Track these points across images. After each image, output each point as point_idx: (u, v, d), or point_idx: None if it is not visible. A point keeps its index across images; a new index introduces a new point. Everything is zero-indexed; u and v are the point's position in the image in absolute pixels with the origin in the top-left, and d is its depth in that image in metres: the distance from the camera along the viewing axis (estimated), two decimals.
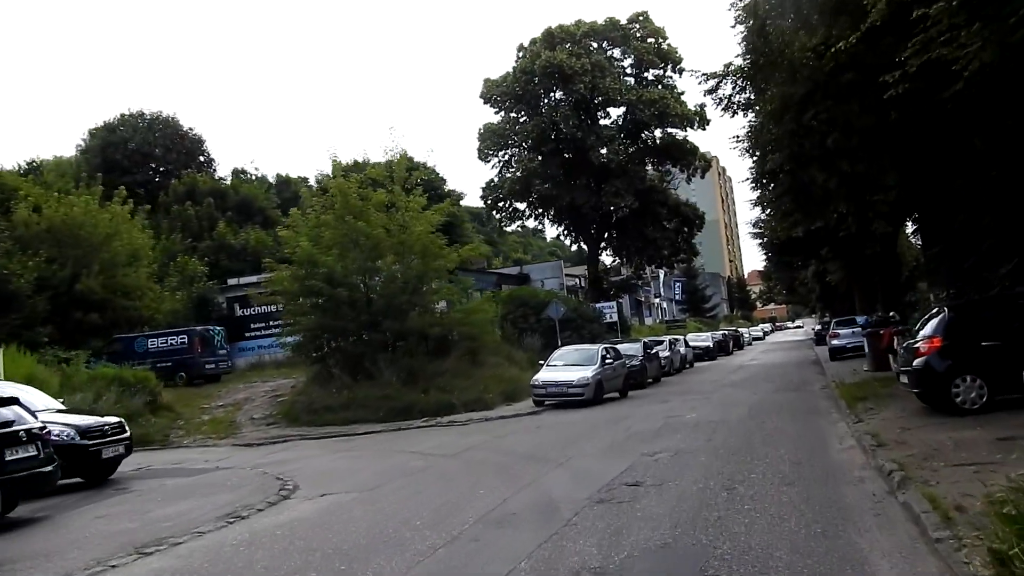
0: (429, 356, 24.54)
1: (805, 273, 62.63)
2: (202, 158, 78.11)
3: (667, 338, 36.93)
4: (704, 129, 48.02)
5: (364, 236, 24.13)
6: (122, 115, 76.84)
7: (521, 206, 49.05)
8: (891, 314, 29.50)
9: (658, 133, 48.57)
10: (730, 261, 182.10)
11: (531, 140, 46.18)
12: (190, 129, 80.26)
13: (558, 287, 54.33)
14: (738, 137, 19.10)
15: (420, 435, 18.57)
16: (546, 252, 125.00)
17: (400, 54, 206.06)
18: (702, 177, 49.45)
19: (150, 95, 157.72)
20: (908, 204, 24.42)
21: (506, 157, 47.62)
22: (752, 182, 21.48)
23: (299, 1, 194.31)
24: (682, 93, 47.91)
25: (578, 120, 46.39)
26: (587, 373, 22.08)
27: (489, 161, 48.32)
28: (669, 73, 48.95)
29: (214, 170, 78.67)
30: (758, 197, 25.99)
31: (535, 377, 22.72)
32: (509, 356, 29.51)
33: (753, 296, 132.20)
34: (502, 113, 47.32)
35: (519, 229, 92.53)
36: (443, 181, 68.90)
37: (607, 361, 23.19)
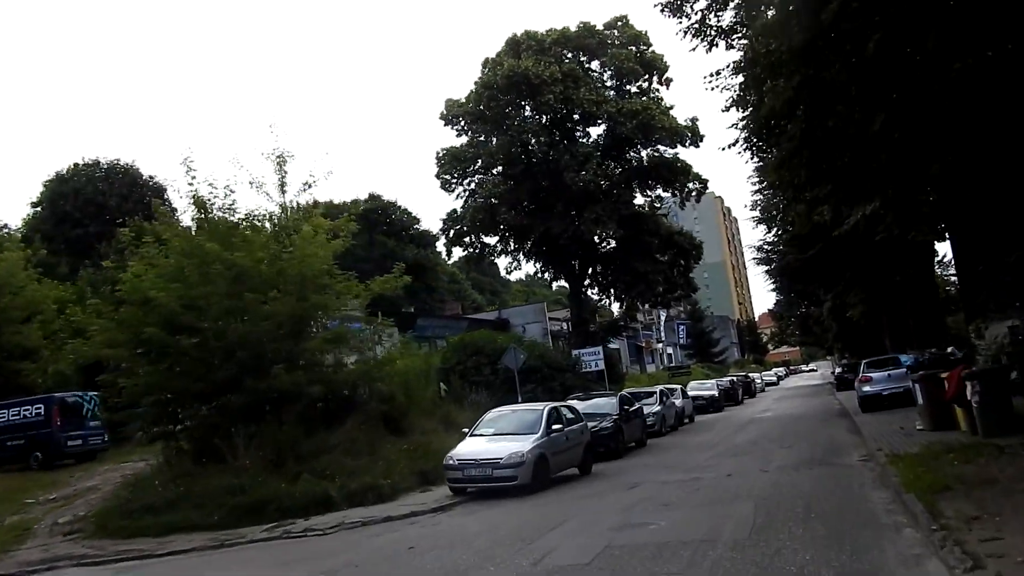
0: (318, 424, 17.95)
1: (820, 310, 55.85)
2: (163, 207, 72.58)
3: (659, 388, 30.17)
4: (697, 146, 41.88)
5: (223, 264, 17.68)
6: (75, 164, 71.57)
7: (490, 240, 42.65)
8: (949, 350, 22.76)
9: (644, 153, 42.31)
10: (739, 303, 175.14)
11: (496, 162, 40.02)
12: (151, 177, 74.98)
13: (540, 332, 47.85)
14: (718, 72, 12.67)
15: (233, 558, 11.91)
16: (551, 301, 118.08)
17: (368, 84, 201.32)
18: (697, 201, 43.11)
19: (111, 144, 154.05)
20: (950, 208, 17.99)
21: (471, 185, 41.35)
22: (746, 142, 14.86)
23: (260, 37, 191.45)
24: (671, 107, 41.84)
25: (550, 138, 40.29)
26: (522, 446, 15.40)
27: (453, 190, 42.12)
28: (656, 85, 42.99)
29: (176, 219, 73.27)
30: (758, 169, 19.26)
31: (451, 452, 16.02)
32: (448, 418, 22.86)
33: (764, 339, 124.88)
34: (465, 136, 41.25)
35: (524, 277, 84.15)
36: (416, 221, 62.87)
37: (555, 427, 16.45)
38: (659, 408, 28.06)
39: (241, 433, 16.60)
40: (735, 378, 55.13)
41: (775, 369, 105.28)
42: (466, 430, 17.24)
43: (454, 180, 41.66)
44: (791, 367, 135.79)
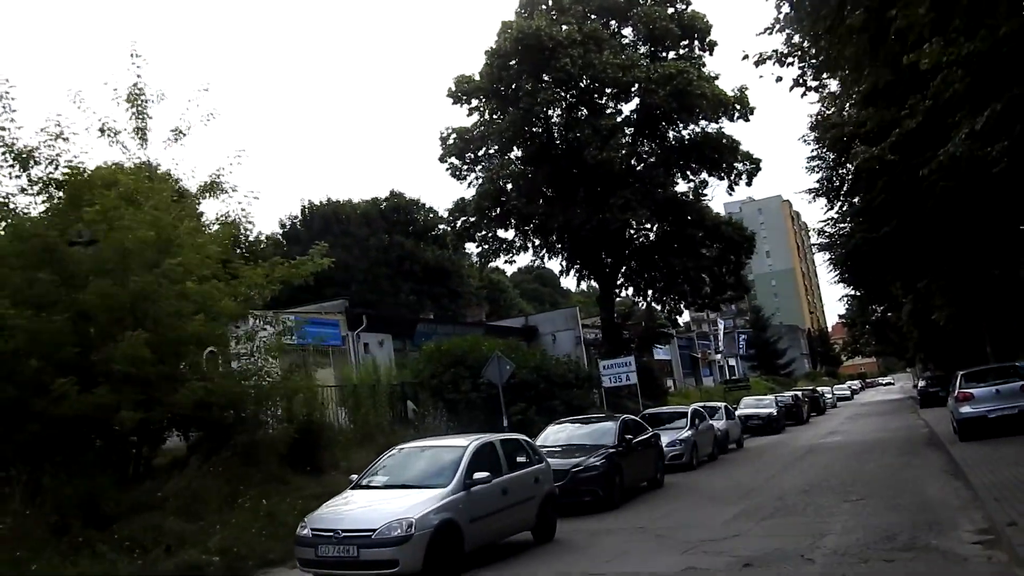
0: (139, 466, 12.50)
1: (898, 315, 48.46)
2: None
3: (691, 408, 23.93)
4: (747, 119, 35.36)
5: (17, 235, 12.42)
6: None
7: (507, 234, 36.84)
8: None
9: (684, 130, 36.05)
10: (810, 312, 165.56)
11: (507, 142, 34.23)
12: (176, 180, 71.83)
13: (572, 341, 41.81)
14: None
15: None
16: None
17: (399, 78, 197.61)
18: (749, 184, 36.68)
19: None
20: None
21: (482, 170, 35.61)
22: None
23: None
24: (716, 77, 35.49)
25: (569, 111, 34.37)
26: (414, 507, 9.57)
27: (464, 178, 36.41)
28: (698, 52, 36.71)
29: (205, 226, 69.84)
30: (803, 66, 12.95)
31: (309, 516, 10.27)
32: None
33: (836, 349, 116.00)
34: (475, 115, 35.57)
35: (586, 288, 75.43)
36: (442, 220, 57.31)
37: (479, 475, 10.49)
38: (688, 434, 21.85)
39: (18, 481, 11.16)
40: (800, 393, 48.09)
41: (849, 382, 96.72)
42: (355, 476, 11.45)
43: (464, 166, 35.98)
44: (867, 380, 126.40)
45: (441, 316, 44.43)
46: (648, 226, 36.95)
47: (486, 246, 36.89)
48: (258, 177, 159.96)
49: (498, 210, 34.70)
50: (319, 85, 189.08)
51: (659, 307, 40.94)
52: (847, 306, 62.17)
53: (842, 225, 23.73)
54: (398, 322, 31.57)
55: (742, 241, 36.97)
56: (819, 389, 59.82)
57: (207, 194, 15.64)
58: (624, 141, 34.81)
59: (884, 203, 19.50)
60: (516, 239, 37.39)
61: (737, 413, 36.36)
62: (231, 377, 14.26)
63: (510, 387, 21.56)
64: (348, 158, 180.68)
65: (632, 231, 37.57)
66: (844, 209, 23.21)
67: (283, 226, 51.07)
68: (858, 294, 24.95)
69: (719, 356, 73.08)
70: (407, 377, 22.63)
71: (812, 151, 22.83)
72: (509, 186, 34.32)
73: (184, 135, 15.13)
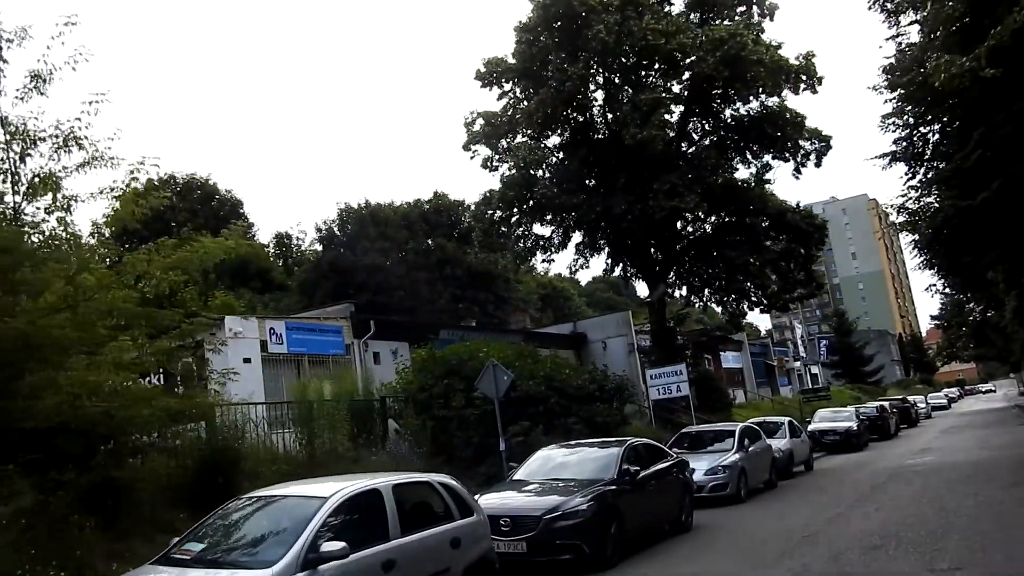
0: None
1: (1000, 314, 42.62)
2: (236, 221, 67.67)
3: (740, 426, 19.66)
4: (815, 91, 30.76)
5: None
6: (148, 179, 67.68)
7: (543, 230, 32.98)
8: None
9: (742, 107, 31.67)
10: (901, 317, 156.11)
11: (537, 125, 30.40)
12: (227, 191, 70.50)
13: (625, 348, 37.58)
14: None
15: None
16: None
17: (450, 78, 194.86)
18: (818, 165, 31.90)
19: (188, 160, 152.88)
20: None
21: (513, 159, 31.80)
22: None
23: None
24: (778, 46, 30.96)
25: (607, 87, 30.42)
26: None
27: (497, 169, 32.70)
28: (756, 19, 32.28)
29: (253, 235, 68.28)
30: None
31: None
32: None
33: (931, 354, 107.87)
34: (506, 98, 31.85)
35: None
36: None
37: (331, 548, 6.68)
38: (735, 458, 17.64)
39: None
40: (887, 403, 42.66)
41: (945, 390, 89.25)
42: (177, 539, 7.80)
43: (496, 156, 32.26)
44: (965, 387, 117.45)
45: (481, 323, 40.89)
46: (701, 216, 32.64)
47: (519, 244, 33.07)
48: (299, 183, 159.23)
49: (530, 202, 30.89)
50: (361, 86, 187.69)
51: (719, 309, 36.41)
52: (941, 305, 56.01)
53: (927, 198, 19.17)
54: (416, 329, 28.04)
55: (811, 231, 32.29)
56: (910, 398, 53.91)
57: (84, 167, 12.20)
58: (671, 120, 30.66)
59: (981, 161, 15.03)
60: (554, 235, 33.55)
61: (810, 428, 31.86)
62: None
63: (513, 401, 17.79)
64: (390, 161, 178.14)
65: (684, 223, 33.36)
66: (929, 176, 18.61)
67: (319, 231, 48.49)
68: (951, 288, 20.24)
69: (798, 364, 67.40)
70: (393, 390, 19.00)
71: (886, 102, 18.40)
72: (542, 174, 30.48)
73: (46, 81, 11.78)
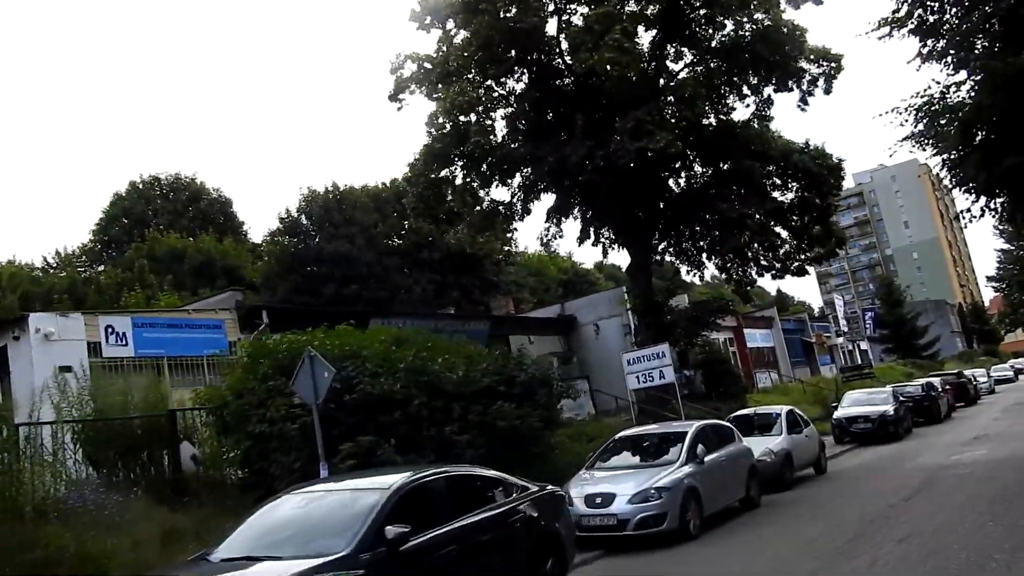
0: None
1: None
2: (224, 221, 63.79)
3: (695, 426, 13.92)
4: (818, 1, 24.83)
5: None
6: (132, 182, 64.30)
7: (502, 195, 27.54)
8: None
9: (726, 22, 25.71)
10: (961, 286, 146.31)
11: (475, 58, 24.82)
12: (216, 190, 66.70)
13: (620, 330, 31.88)
14: None
15: None
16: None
17: None
18: (827, 91, 25.78)
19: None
20: None
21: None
22: None
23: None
24: None
25: (557, 12, 24.85)
26: None
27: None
28: None
29: (244, 234, 64.12)
30: None
31: None
32: None
33: (993, 322, 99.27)
34: (440, 30, 26.23)
35: (711, 278, 57.26)
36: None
37: None
38: (679, 475, 12.06)
39: None
40: (938, 380, 36.14)
41: (1012, 361, 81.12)
42: None
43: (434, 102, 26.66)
44: None
45: (466, 310, 35.57)
46: (693, 165, 26.89)
47: (473, 211, 27.58)
48: (288, 177, 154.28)
49: (473, 157, 25.35)
50: (335, 67, 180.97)
51: (723, 276, 30.50)
52: (997, 264, 48.77)
53: (953, 88, 13.34)
54: (332, 318, 22.75)
55: (823, 172, 26.21)
56: (968, 372, 47.01)
57: None
58: (637, 47, 24.93)
59: None
60: (516, 201, 28.01)
61: (835, 415, 25.90)
62: None
63: (354, 407, 12.46)
64: (368, 143, 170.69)
65: (670, 173, 27.61)
66: (953, 54, 12.75)
67: (282, 219, 43.52)
68: (991, 211, 14.35)
69: (841, 340, 60.65)
70: (206, 398, 13.74)
71: None
72: (476, 120, 24.91)
73: None
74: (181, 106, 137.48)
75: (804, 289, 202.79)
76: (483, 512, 7.83)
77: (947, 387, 36.02)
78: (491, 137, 24.76)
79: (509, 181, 27.30)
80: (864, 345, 67.02)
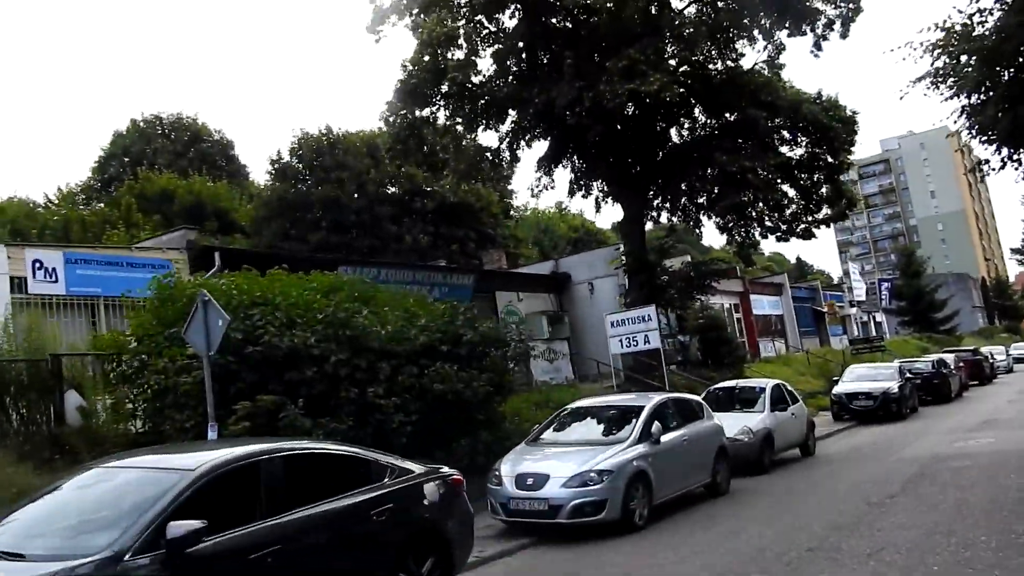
0: None
1: None
2: (225, 163, 62.13)
3: (653, 400, 12.14)
4: None
5: None
6: (133, 120, 62.70)
7: (489, 140, 25.59)
8: None
9: None
10: (985, 260, 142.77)
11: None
12: (218, 131, 64.99)
13: (616, 290, 30.07)
14: None
15: None
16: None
17: None
18: (844, 35, 23.53)
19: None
20: None
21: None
22: None
23: None
24: None
25: None
26: None
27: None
28: None
29: (244, 176, 62.53)
30: None
31: None
32: None
33: (1016, 298, 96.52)
34: None
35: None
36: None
37: None
38: (625, 457, 10.38)
39: None
40: (952, 356, 34.17)
41: None
42: None
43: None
44: None
45: (459, 263, 33.83)
46: (695, 113, 24.83)
47: (457, 156, 25.69)
48: (271, 114, 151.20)
49: (453, 95, 23.41)
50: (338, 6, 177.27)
51: (726, 236, 28.54)
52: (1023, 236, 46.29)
53: (977, 17, 11.31)
54: (293, 263, 21.16)
55: (834, 125, 24.08)
56: (985, 350, 44.91)
57: None
58: None
59: None
60: (503, 148, 26.11)
61: (835, 391, 24.17)
62: None
63: (260, 362, 10.86)
64: (366, 86, 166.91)
65: (670, 123, 25.60)
66: None
67: (273, 162, 41.69)
68: (1014, 161, 12.51)
69: (854, 310, 58.51)
70: (107, 343, 12.19)
71: None
72: (455, 55, 22.90)
73: None
74: (189, 48, 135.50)
75: (825, 259, 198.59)
76: (330, 502, 6.17)
77: (961, 364, 34.11)
78: (473, 75, 22.75)
79: (498, 126, 25.41)
80: (880, 317, 64.86)
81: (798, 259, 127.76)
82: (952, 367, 31.36)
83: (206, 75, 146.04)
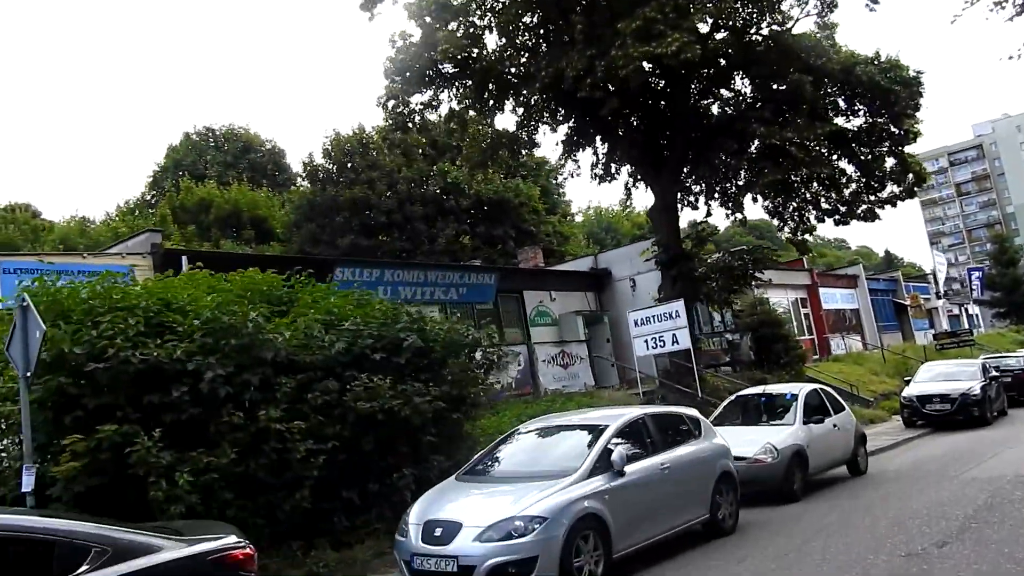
0: None
1: None
2: (277, 173, 61.47)
3: (621, 418, 9.43)
4: None
5: None
6: (185, 133, 62.75)
7: (506, 124, 23.18)
8: None
9: None
10: None
11: None
12: (269, 140, 64.52)
13: (656, 283, 27.19)
14: None
15: None
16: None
17: None
18: None
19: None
20: None
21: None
22: None
23: None
24: None
25: None
26: None
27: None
28: None
29: (294, 184, 61.87)
30: None
31: None
32: None
33: None
34: None
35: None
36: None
37: None
38: (570, 496, 7.76)
39: None
40: None
41: None
42: None
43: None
44: None
45: (496, 263, 31.53)
46: (727, 76, 21.87)
47: (463, 141, 23.30)
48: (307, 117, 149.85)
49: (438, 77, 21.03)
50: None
51: (777, 222, 25.39)
52: None
53: None
54: (281, 264, 19.13)
55: (893, 88, 20.77)
56: None
57: None
58: None
59: None
60: (520, 131, 23.62)
61: (905, 393, 20.90)
62: None
63: (115, 381, 8.65)
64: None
65: (705, 95, 22.72)
66: None
67: (306, 166, 40.12)
68: None
69: (941, 302, 53.70)
70: None
71: None
72: (441, 27, 20.47)
73: None
74: (244, 63, 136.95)
75: (917, 251, 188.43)
76: None
77: None
78: (472, 48, 20.28)
79: (505, 106, 22.91)
80: (973, 309, 59.68)
81: (887, 252, 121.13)
82: None
83: (256, 87, 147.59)
